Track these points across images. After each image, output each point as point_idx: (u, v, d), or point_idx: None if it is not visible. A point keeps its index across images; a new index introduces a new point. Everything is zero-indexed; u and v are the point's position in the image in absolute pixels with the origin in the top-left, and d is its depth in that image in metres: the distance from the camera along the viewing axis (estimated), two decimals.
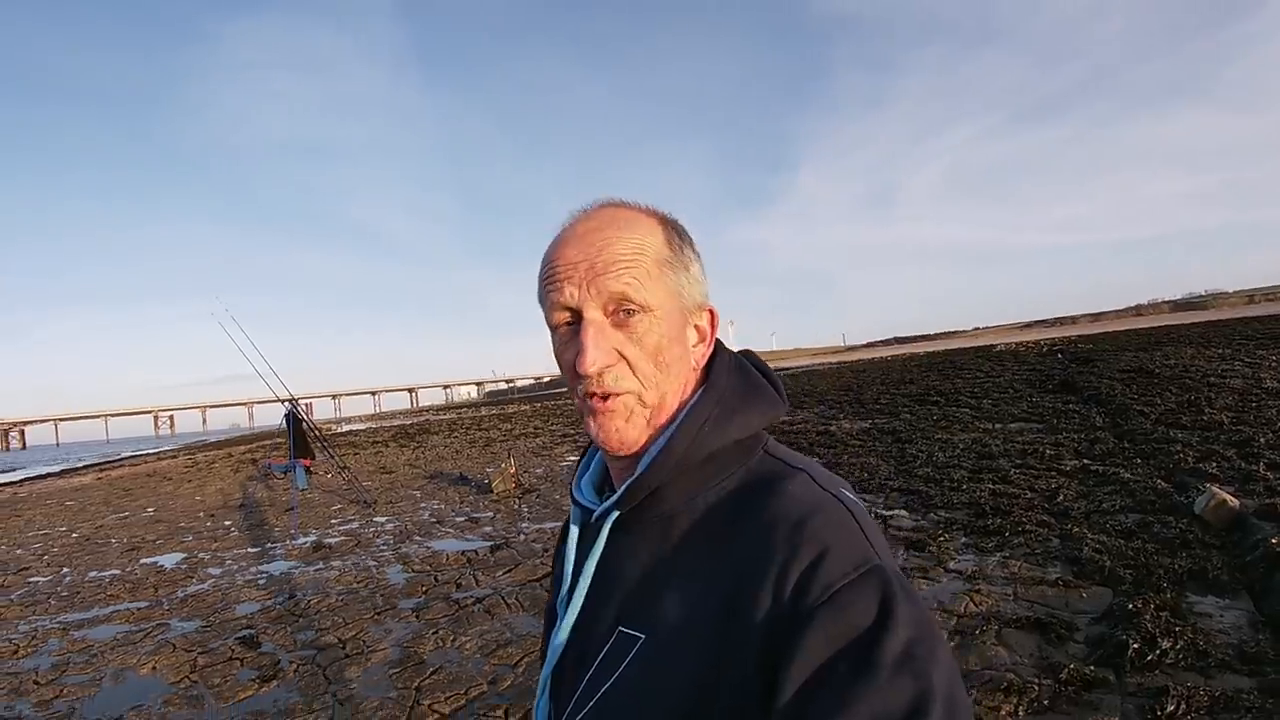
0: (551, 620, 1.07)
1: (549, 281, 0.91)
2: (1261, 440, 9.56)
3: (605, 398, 0.90)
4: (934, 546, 6.99)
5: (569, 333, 0.92)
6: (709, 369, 0.99)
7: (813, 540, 0.78)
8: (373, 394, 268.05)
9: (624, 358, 0.90)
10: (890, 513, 8.49)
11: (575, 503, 1.05)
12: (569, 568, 1.01)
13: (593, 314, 0.89)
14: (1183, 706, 3.77)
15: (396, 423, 52.72)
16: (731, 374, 0.98)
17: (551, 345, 0.95)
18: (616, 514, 0.94)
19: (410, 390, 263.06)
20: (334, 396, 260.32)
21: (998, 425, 14.14)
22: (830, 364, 66.40)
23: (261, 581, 8.88)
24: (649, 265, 0.91)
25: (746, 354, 1.05)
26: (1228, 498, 6.98)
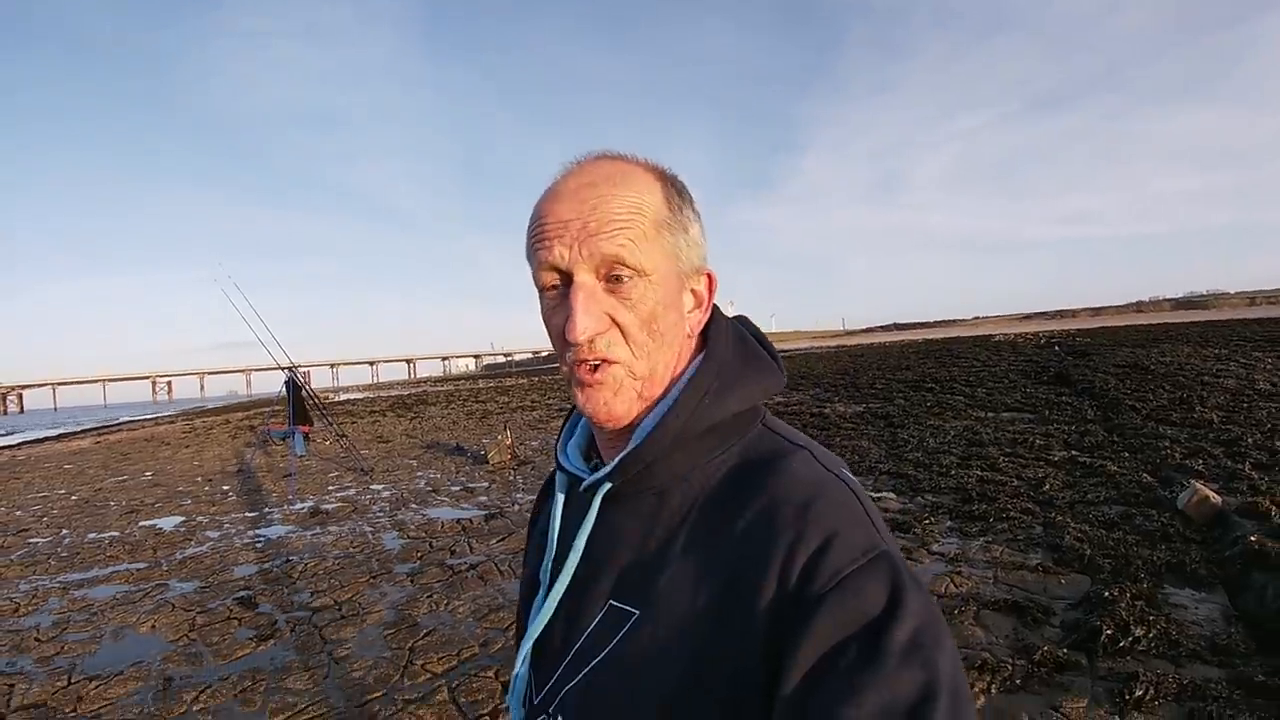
0: (532, 589, 1.02)
1: (537, 239, 0.86)
2: (1249, 440, 9.67)
3: (594, 369, 0.86)
4: (919, 529, 7.12)
5: (557, 296, 0.87)
6: (706, 336, 0.95)
7: (819, 523, 0.76)
8: (370, 364, 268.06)
9: (616, 324, 0.85)
10: (879, 495, 8.62)
11: (561, 469, 1.00)
12: (554, 536, 0.98)
13: (584, 277, 0.84)
14: (1151, 692, 3.89)
15: (394, 393, 52.81)
16: (731, 343, 0.94)
17: (540, 309, 0.90)
18: (608, 486, 0.89)
19: (408, 361, 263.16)
20: (332, 365, 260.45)
21: (990, 414, 14.27)
22: (828, 347, 66.53)
23: (259, 545, 9.02)
24: (646, 226, 0.85)
25: (743, 320, 1.01)
26: (1210, 494, 7.08)
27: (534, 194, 0.91)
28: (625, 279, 0.84)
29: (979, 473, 9.28)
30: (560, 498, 0.99)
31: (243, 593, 7.03)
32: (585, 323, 0.83)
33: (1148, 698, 3.86)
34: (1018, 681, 4.12)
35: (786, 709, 0.70)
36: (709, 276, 0.94)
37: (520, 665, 0.96)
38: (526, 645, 0.94)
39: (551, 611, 0.92)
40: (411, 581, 7.06)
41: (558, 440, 1.05)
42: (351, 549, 8.42)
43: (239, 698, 4.83)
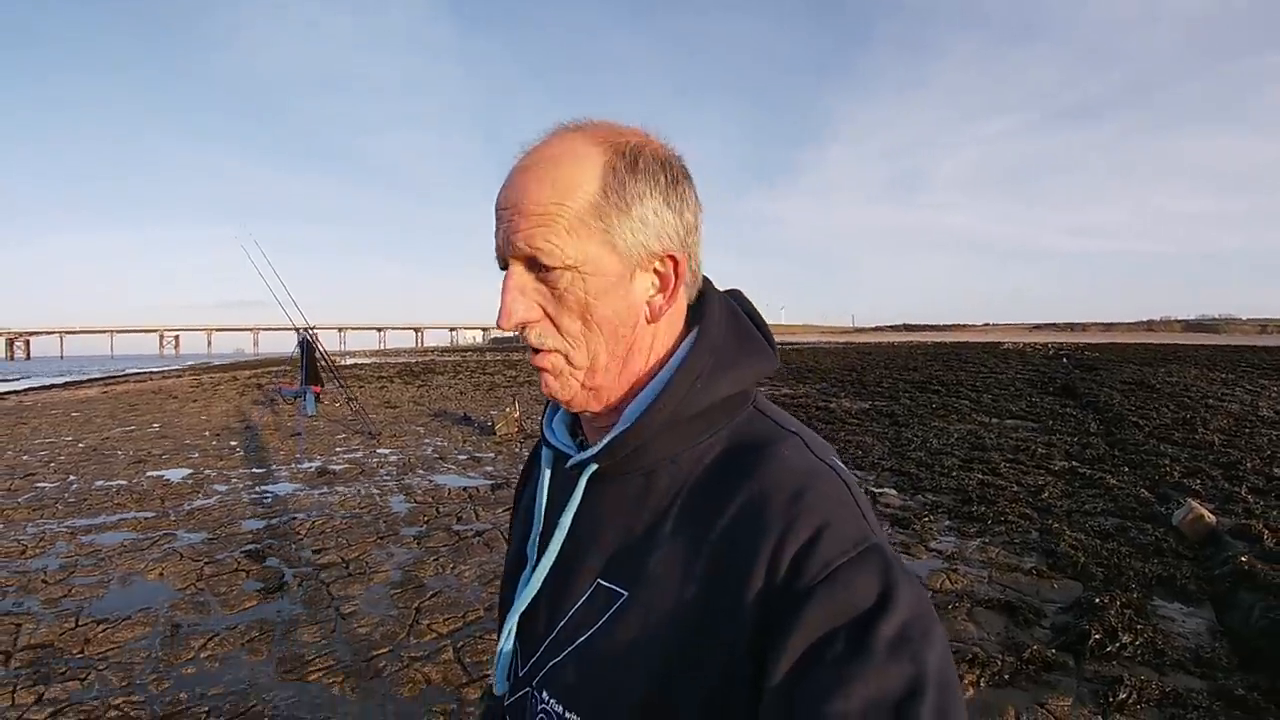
0: (518, 563, 1.01)
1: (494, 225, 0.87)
2: (1248, 465, 9.77)
3: (536, 354, 0.87)
4: (918, 525, 7.25)
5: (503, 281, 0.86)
6: (698, 313, 0.92)
7: (810, 514, 0.75)
8: (378, 330, 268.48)
9: (546, 315, 0.85)
10: (880, 490, 8.74)
11: (548, 444, 0.99)
12: (541, 511, 0.97)
13: (514, 266, 0.84)
14: (1134, 696, 4.03)
15: (401, 360, 52.96)
16: (724, 322, 0.91)
17: None
18: (595, 467, 0.88)
19: (416, 330, 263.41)
20: (340, 329, 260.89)
21: (995, 420, 14.37)
22: (837, 343, 66.57)
23: (266, 500, 9.17)
24: (570, 216, 0.82)
25: (735, 295, 0.98)
26: (1205, 513, 7.19)
27: None
28: (550, 271, 0.83)
29: (980, 476, 9.39)
30: (546, 472, 0.99)
31: (250, 546, 7.15)
32: (511, 309, 0.83)
33: (1130, 701, 4.00)
34: (1006, 677, 4.26)
35: (774, 700, 0.70)
36: (673, 259, 0.87)
37: (506, 640, 0.95)
38: (513, 620, 0.94)
39: (538, 587, 0.91)
40: (418, 544, 7.20)
41: (544, 414, 1.03)
42: (359, 510, 8.57)
43: (245, 647, 4.94)
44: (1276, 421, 13.37)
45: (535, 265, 0.83)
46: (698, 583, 0.77)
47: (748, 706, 0.72)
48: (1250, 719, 3.89)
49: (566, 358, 0.86)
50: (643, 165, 0.85)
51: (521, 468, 1.25)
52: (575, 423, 1.00)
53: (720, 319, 0.91)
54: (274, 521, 8.13)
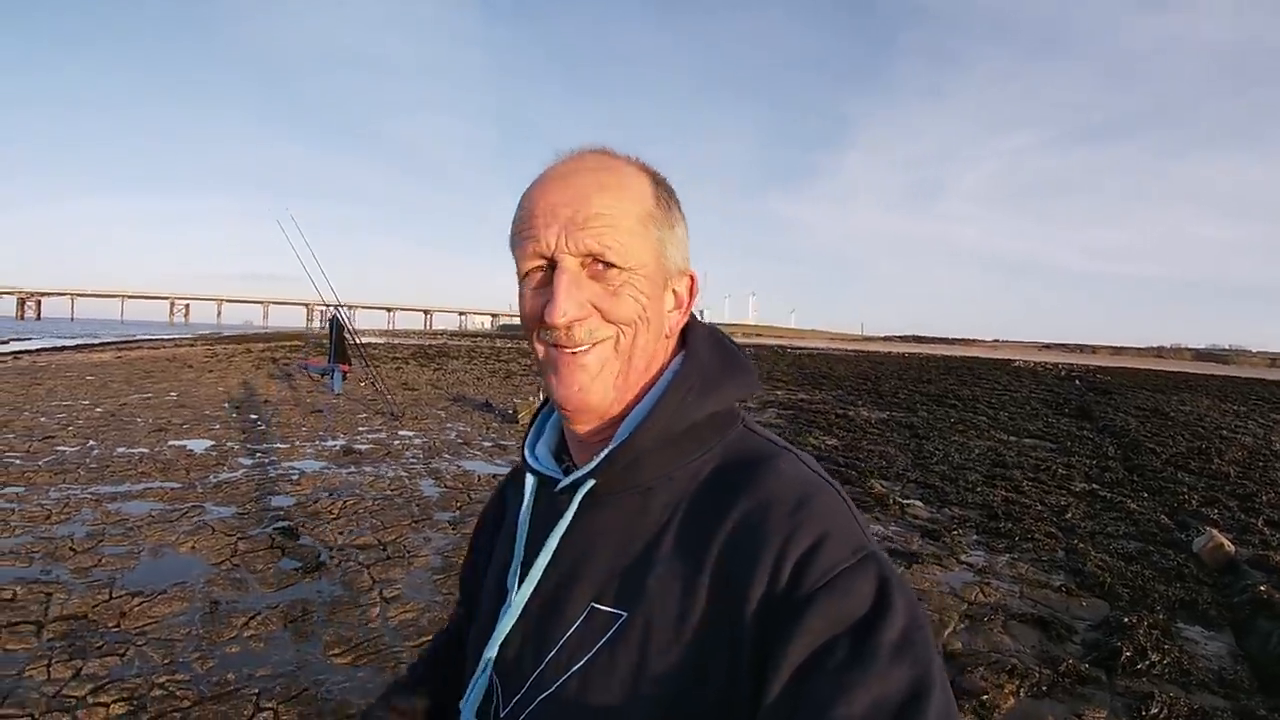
0: (496, 599, 0.98)
1: (526, 226, 0.88)
2: (1264, 498, 9.95)
3: (574, 352, 0.87)
4: (948, 538, 7.39)
5: (541, 280, 0.88)
6: (685, 339, 0.97)
7: (811, 523, 0.77)
8: (388, 310, 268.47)
9: (597, 310, 0.86)
10: (907, 501, 8.86)
11: (531, 470, 0.98)
12: (523, 540, 0.96)
13: (568, 262, 0.85)
14: (1166, 712, 4.23)
15: (413, 342, 52.95)
16: (710, 345, 0.96)
17: (518, 295, 0.91)
18: (591, 484, 0.88)
19: (425, 312, 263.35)
20: (350, 307, 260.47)
21: (1013, 438, 14.49)
22: (847, 350, 66.61)
23: (293, 477, 9.18)
24: (633, 222, 0.86)
25: (714, 331, 1.01)
26: (1225, 542, 7.38)
27: None
28: (610, 270, 0.85)
29: (1004, 493, 9.52)
30: (528, 500, 0.98)
31: (283, 523, 7.11)
32: (566, 306, 0.84)
33: (1161, 715, 4.21)
34: (1044, 689, 4.43)
35: (777, 705, 0.71)
36: (691, 278, 0.95)
37: (481, 673, 0.92)
38: (490, 651, 0.91)
39: (517, 616, 0.90)
40: (453, 529, 7.31)
41: (524, 441, 1.04)
42: (390, 491, 8.66)
43: (290, 628, 4.85)
44: None
45: (592, 263, 0.86)
46: (701, 595, 0.79)
47: (753, 711, 0.73)
48: None
49: (616, 344, 0.87)
50: (674, 194, 0.94)
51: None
52: (560, 448, 1.01)
53: (706, 341, 0.96)
54: (303, 499, 8.14)
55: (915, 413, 17.64)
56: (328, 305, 16.39)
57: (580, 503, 0.89)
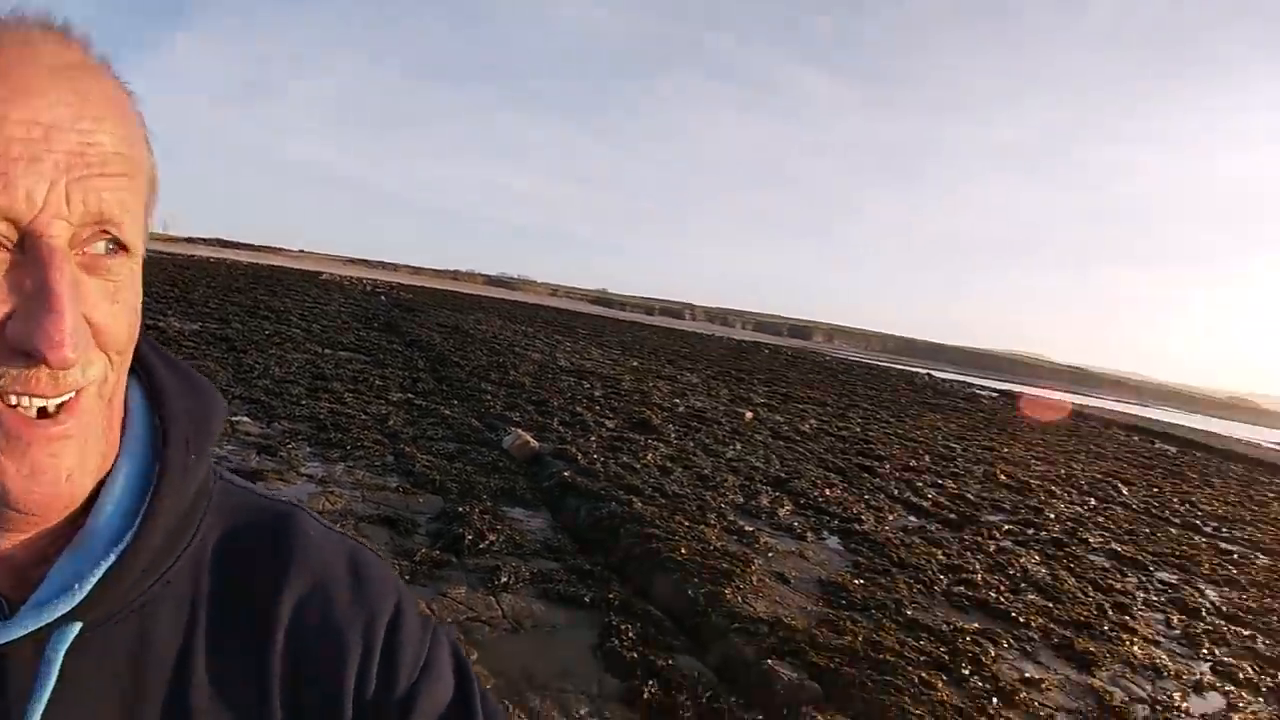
0: None
1: None
2: (555, 403, 12.40)
3: (56, 409, 0.53)
4: (284, 453, 7.27)
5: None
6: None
7: (381, 599, 0.68)
8: None
9: (93, 328, 0.53)
10: (236, 418, 8.43)
11: None
12: None
13: (61, 242, 0.50)
14: (513, 578, 5.11)
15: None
16: (164, 360, 0.68)
17: None
18: (77, 628, 0.57)
19: None
20: None
21: (329, 350, 14.91)
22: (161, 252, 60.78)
23: None
24: (142, 178, 0.57)
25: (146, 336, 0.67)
26: (529, 439, 9.07)
27: None
28: (116, 257, 0.54)
29: (328, 404, 9.72)
30: None
31: None
32: (74, 325, 0.49)
33: (512, 582, 5.06)
34: (408, 578, 4.79)
35: None
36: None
37: None
38: None
39: None
40: None
41: None
42: None
43: None
44: (572, 370, 16.46)
45: (92, 242, 0.53)
46: (273, 692, 0.63)
47: None
48: (599, 583, 5.29)
49: (101, 385, 0.56)
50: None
51: None
52: None
53: (158, 355, 0.68)
54: None
55: (229, 324, 16.92)
56: None
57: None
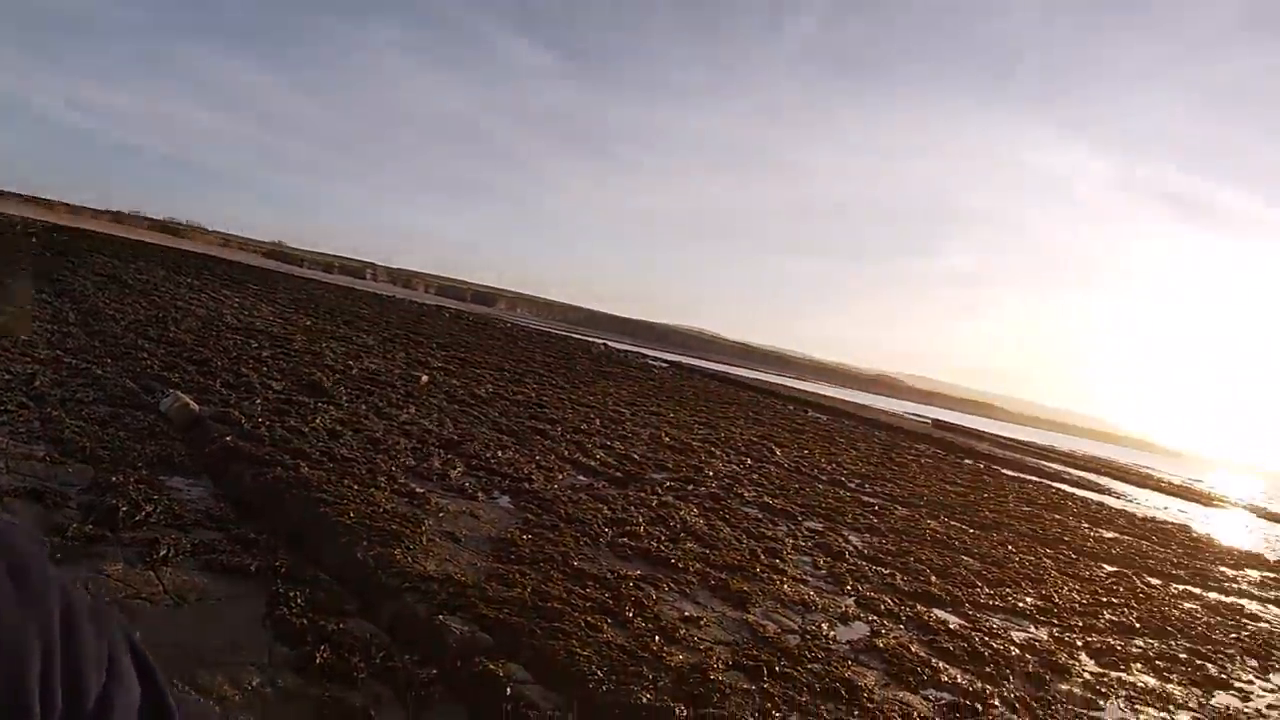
0: None
1: None
2: (219, 363, 11.85)
3: None
4: None
5: None
6: None
7: (46, 600, 0.61)
8: None
9: None
10: None
11: None
12: None
13: None
14: (173, 551, 5.02)
15: None
16: None
17: None
18: None
19: None
20: None
21: None
22: None
23: None
24: None
25: None
26: (190, 401, 8.70)
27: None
28: None
29: None
30: None
31: None
32: None
33: (172, 555, 4.97)
34: (60, 557, 4.58)
35: None
36: None
37: None
38: None
39: None
40: None
41: None
42: None
43: None
44: (239, 328, 15.74)
45: None
46: None
47: None
48: (265, 551, 5.33)
49: None
50: None
51: None
52: None
53: None
54: None
55: None
56: None
57: None
